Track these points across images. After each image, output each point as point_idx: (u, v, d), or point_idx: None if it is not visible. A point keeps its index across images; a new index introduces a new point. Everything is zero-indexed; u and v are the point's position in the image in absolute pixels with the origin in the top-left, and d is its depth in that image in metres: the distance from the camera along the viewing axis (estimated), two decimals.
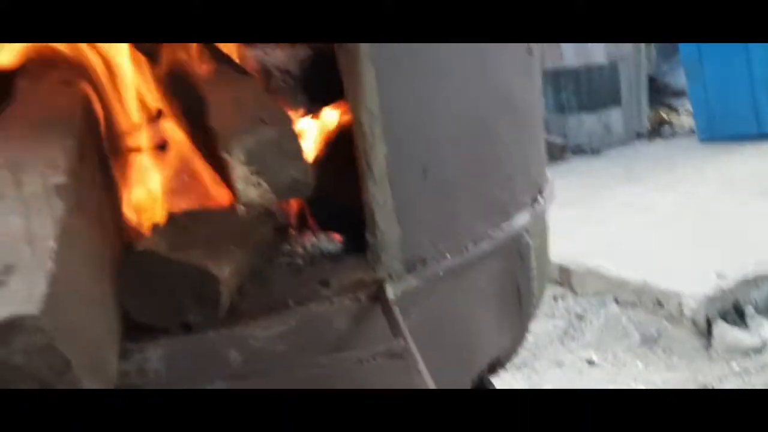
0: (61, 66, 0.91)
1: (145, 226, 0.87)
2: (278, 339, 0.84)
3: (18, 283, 0.59)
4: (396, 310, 0.81)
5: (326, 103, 0.97)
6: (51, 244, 0.63)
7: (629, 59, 3.75)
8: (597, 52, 4.13)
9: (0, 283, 0.60)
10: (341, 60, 0.81)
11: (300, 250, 0.96)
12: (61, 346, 0.58)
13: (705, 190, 3.50)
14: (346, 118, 1.00)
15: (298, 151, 0.83)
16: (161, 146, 0.92)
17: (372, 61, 0.79)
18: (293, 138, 0.82)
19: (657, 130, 4.27)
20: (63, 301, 0.61)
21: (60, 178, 0.71)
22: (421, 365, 0.72)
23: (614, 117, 4.29)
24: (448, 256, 0.90)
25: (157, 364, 0.79)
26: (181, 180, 0.97)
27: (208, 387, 0.79)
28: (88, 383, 0.62)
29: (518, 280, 0.99)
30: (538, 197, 1.04)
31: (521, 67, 0.96)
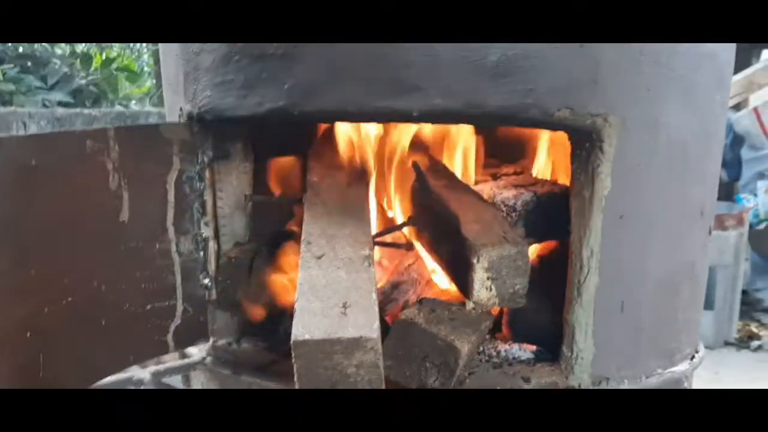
0: (344, 169, 1.18)
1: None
2: None
3: (357, 315, 0.81)
4: None
5: (538, 239, 1.20)
6: (373, 295, 0.86)
7: (728, 268, 3.90)
8: None
9: (343, 314, 0.82)
10: (575, 203, 1.04)
11: (494, 352, 1.16)
12: (381, 366, 0.79)
13: None
14: (548, 252, 1.22)
15: (527, 269, 1.04)
16: (407, 246, 1.16)
17: (602, 210, 1.01)
18: (525, 258, 1.04)
19: (745, 342, 4.30)
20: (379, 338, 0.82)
21: (367, 251, 0.95)
22: None
23: (705, 320, 4.32)
24: (626, 381, 1.08)
25: None
26: (415, 273, 1.20)
27: None
28: None
29: None
30: (695, 354, 1.21)
31: (703, 249, 1.16)
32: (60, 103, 4.74)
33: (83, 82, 5.13)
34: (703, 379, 4.14)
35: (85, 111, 4.07)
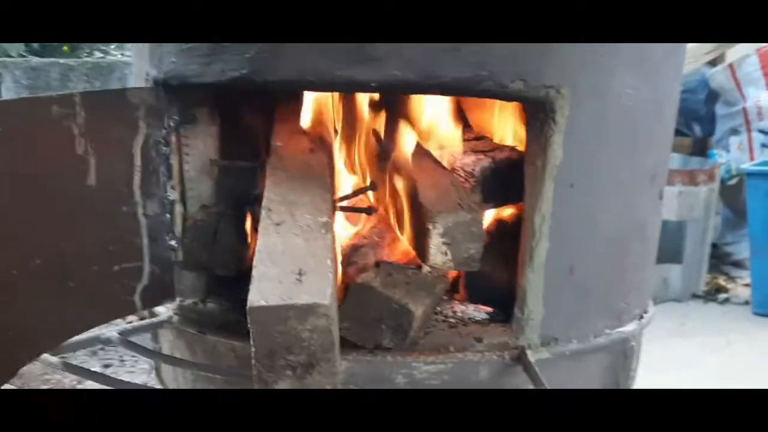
0: (307, 136, 1.20)
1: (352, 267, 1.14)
2: (436, 375, 1.07)
3: (311, 282, 0.85)
4: (537, 370, 1.04)
5: (495, 204, 1.24)
6: (329, 261, 0.89)
7: (698, 222, 3.97)
8: (669, 209, 4.33)
9: (298, 281, 0.85)
10: (528, 172, 1.08)
11: (450, 312, 1.21)
12: (334, 331, 0.83)
13: (752, 356, 3.61)
14: (506, 217, 1.26)
15: (481, 235, 1.08)
16: (369, 210, 1.19)
17: (553, 179, 1.05)
18: (479, 224, 1.08)
19: (712, 295, 4.38)
20: (334, 303, 0.86)
21: (326, 219, 0.98)
22: None
23: (674, 273, 4.41)
24: (574, 341, 1.13)
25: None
26: (376, 236, 1.24)
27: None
28: (337, 368, 0.85)
29: (618, 376, 1.21)
30: (644, 315, 1.27)
31: (654, 209, 1.21)
32: (34, 52, 4.67)
33: None
34: (668, 331, 4.23)
35: (61, 61, 4.05)
